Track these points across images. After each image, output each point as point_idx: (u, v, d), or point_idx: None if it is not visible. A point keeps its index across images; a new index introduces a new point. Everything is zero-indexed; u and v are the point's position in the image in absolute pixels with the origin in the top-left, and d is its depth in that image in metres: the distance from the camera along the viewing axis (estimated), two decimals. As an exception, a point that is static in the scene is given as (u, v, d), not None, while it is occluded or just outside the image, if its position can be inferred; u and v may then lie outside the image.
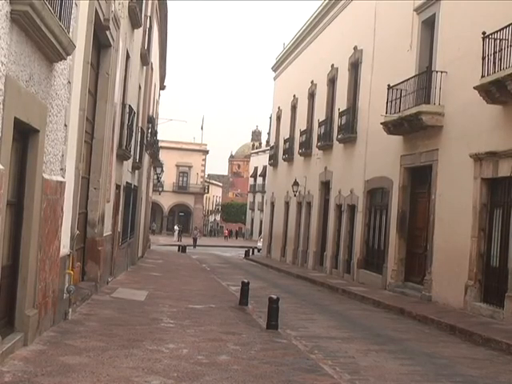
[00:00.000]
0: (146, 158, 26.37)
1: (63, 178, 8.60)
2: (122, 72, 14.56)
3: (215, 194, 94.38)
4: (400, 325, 12.90)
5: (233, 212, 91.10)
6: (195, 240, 51.76)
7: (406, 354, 9.61)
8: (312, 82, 29.97)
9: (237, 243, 62.98)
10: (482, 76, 13.18)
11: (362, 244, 21.95)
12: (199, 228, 71.52)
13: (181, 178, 77.36)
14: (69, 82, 8.52)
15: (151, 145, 27.21)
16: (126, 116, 15.92)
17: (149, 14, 20.77)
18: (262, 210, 62.12)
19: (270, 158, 38.79)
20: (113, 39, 12.01)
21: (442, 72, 16.19)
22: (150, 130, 25.52)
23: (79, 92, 9.38)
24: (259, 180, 75.70)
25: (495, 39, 12.96)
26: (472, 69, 14.14)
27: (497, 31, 12.90)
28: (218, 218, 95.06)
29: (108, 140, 12.48)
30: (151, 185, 34.56)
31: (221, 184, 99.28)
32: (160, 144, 38.68)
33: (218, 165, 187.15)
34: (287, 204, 33.40)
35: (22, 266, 6.97)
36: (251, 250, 40.53)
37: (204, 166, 79.43)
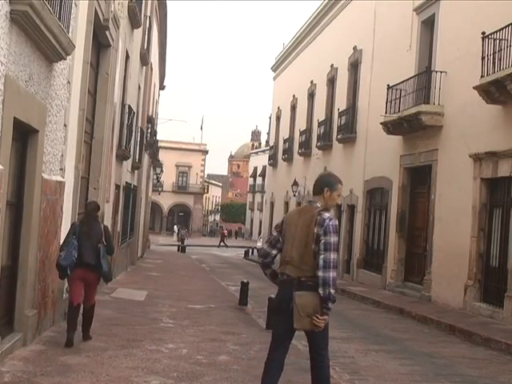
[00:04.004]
0: (146, 158, 26.38)
1: (63, 177, 8.60)
2: (121, 72, 14.55)
3: (215, 194, 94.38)
4: (399, 325, 12.89)
5: (232, 212, 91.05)
6: (183, 241, 45.59)
7: (405, 353, 9.61)
8: (311, 81, 29.96)
9: (236, 243, 62.94)
10: (482, 76, 13.18)
11: (362, 244, 21.94)
12: (197, 227, 71.31)
13: (180, 178, 77.32)
14: (68, 82, 8.52)
15: (151, 145, 27.21)
16: (126, 116, 15.92)
17: (148, 13, 20.77)
18: (261, 210, 62.05)
19: (270, 158, 38.78)
20: (112, 39, 11.99)
21: (441, 72, 16.18)
22: (149, 130, 25.54)
23: (79, 92, 9.37)
24: (259, 180, 75.62)
25: (495, 39, 12.95)
26: (472, 69, 14.14)
27: (496, 31, 12.90)
28: (218, 217, 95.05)
29: (107, 140, 12.47)
30: (151, 185, 34.56)
31: (220, 184, 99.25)
32: (159, 144, 38.70)
33: (217, 165, 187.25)
34: (287, 204, 33.38)
35: (21, 266, 6.97)
36: (251, 250, 40.48)
37: (203, 165, 79.43)
